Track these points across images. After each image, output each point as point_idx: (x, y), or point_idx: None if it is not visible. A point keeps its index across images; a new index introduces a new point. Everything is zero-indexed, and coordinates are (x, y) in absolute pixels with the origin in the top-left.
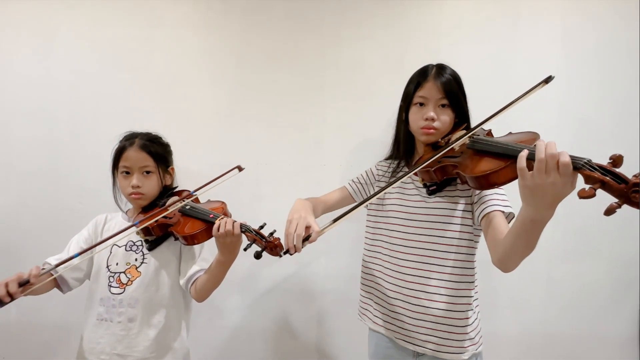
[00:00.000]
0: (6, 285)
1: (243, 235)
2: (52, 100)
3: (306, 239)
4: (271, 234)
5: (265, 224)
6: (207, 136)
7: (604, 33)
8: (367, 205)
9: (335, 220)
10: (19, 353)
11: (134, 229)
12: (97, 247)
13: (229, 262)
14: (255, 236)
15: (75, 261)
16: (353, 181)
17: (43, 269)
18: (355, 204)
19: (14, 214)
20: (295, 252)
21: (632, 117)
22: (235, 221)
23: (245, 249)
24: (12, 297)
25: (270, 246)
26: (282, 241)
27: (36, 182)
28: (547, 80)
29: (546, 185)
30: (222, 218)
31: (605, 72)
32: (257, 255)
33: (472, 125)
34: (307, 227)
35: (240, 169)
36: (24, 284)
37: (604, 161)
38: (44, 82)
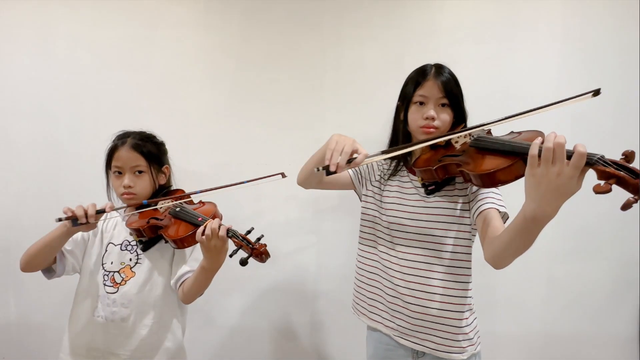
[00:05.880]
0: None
1: (230, 241)
2: (52, 100)
3: (349, 161)
4: (258, 239)
5: (252, 228)
6: (207, 136)
7: (604, 33)
8: (366, 194)
9: (384, 152)
10: (19, 353)
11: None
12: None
13: (214, 269)
14: (242, 242)
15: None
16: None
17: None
18: (418, 141)
19: (13, 213)
20: (336, 170)
21: (632, 117)
22: (222, 224)
23: (230, 255)
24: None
25: (257, 253)
26: (331, 161)
27: (36, 182)
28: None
29: (551, 175)
30: (209, 221)
31: (605, 72)
32: (243, 262)
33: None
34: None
35: (284, 175)
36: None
37: None
38: (44, 82)
